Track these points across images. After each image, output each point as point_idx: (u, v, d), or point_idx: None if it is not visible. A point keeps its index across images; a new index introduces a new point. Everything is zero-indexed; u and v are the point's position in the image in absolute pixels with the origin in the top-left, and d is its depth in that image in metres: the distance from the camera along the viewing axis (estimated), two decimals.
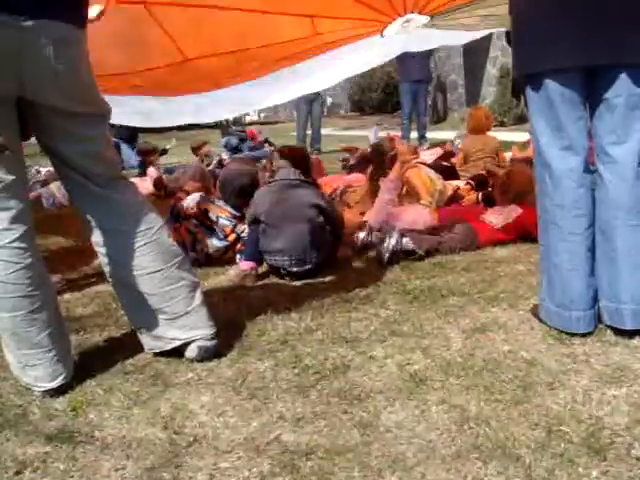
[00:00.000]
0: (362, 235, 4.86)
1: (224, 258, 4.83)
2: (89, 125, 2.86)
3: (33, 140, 2.91)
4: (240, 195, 4.90)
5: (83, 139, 2.86)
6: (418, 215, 5.18)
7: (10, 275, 2.71)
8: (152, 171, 9.08)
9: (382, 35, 5.82)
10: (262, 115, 29.03)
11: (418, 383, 2.69)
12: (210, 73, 5.28)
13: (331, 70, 6.76)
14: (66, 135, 2.84)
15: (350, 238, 4.93)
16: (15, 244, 2.71)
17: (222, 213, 4.84)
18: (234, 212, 4.88)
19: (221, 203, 4.92)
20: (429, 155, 8.48)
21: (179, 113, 6.34)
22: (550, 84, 2.95)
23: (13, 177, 2.70)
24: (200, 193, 5.08)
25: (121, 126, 12.60)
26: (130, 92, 5.19)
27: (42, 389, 2.80)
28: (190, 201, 4.92)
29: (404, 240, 4.53)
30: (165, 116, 6.61)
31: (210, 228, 4.80)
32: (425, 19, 5.59)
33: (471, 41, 7.41)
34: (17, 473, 2.26)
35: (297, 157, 4.83)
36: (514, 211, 4.88)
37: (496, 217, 4.92)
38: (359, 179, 6.87)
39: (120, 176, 3.06)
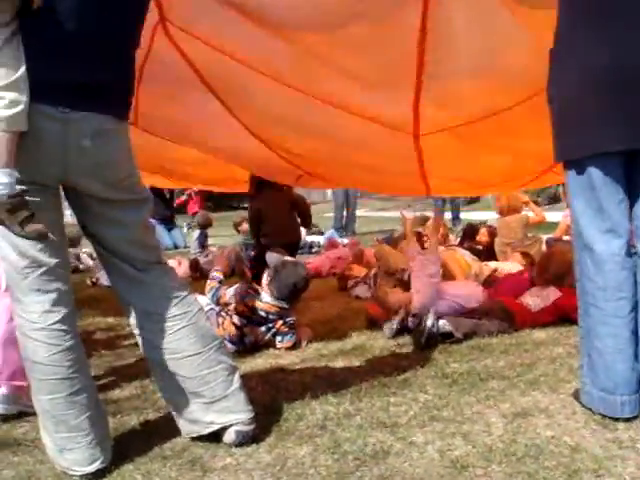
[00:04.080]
0: (397, 320, 4.84)
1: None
2: (129, 211, 2.92)
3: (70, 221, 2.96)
4: (294, 295, 4.89)
5: (122, 224, 2.92)
6: (472, 291, 5.15)
7: (51, 357, 2.73)
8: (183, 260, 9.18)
9: None
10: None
11: (460, 470, 2.64)
12: None
13: None
14: (106, 220, 2.90)
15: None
16: (56, 326, 2.75)
17: (271, 309, 4.77)
18: (283, 305, 4.81)
19: (269, 299, 4.81)
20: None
21: None
22: (591, 169, 2.94)
23: (56, 260, 2.76)
24: (242, 286, 5.00)
25: (157, 205, 12.89)
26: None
27: (79, 473, 2.79)
28: (235, 295, 4.89)
29: (441, 323, 4.50)
30: None
31: (258, 322, 4.75)
32: None
33: None
34: None
35: None
36: (553, 293, 4.85)
37: (534, 300, 4.89)
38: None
39: (159, 260, 3.09)
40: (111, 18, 2.70)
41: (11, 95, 2.48)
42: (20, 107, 2.49)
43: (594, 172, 2.95)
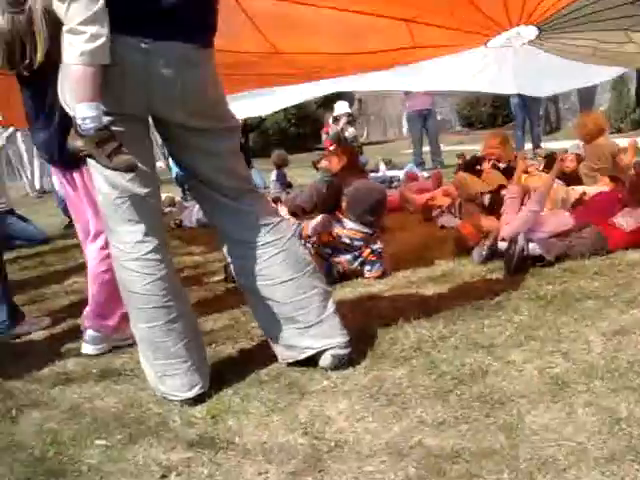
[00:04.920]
0: (487, 244, 4.75)
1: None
2: (219, 139, 2.92)
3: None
4: (373, 212, 4.81)
5: (213, 153, 2.92)
6: (560, 220, 5.03)
7: (146, 286, 2.79)
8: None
9: (486, 45, 5.72)
10: (368, 135, 28.98)
11: (561, 386, 2.61)
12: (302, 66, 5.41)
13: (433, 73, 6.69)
14: (197, 150, 2.91)
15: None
16: (150, 256, 2.80)
17: (355, 235, 4.73)
18: (366, 230, 4.76)
19: (352, 224, 4.77)
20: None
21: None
22: None
23: (147, 190, 2.79)
24: (324, 216, 4.97)
25: None
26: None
27: (179, 398, 2.85)
28: (316, 226, 4.86)
29: (531, 246, 4.41)
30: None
31: (344, 250, 4.73)
32: (533, 31, 5.43)
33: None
34: (163, 477, 2.31)
35: None
36: None
37: (626, 220, 4.73)
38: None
39: (251, 189, 3.10)
40: None
41: (92, 29, 2.47)
42: (101, 40, 2.49)
43: None
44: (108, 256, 3.59)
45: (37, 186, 15.54)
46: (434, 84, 8.13)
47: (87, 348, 3.62)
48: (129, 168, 2.62)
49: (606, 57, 6.39)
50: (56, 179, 3.83)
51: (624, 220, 4.73)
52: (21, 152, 15.50)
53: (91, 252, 3.66)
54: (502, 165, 7.27)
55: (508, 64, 6.22)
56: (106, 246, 3.57)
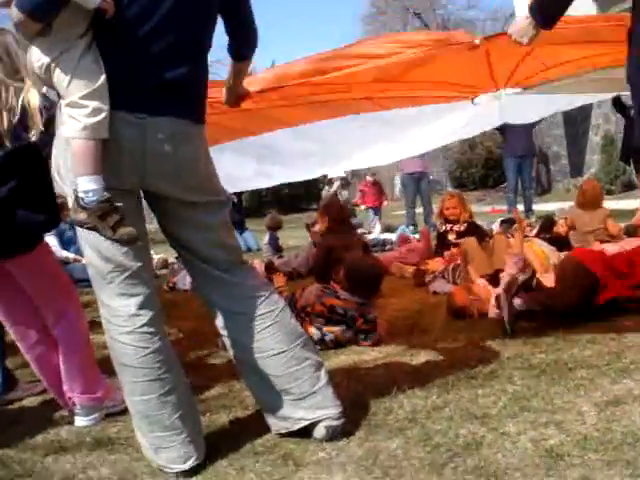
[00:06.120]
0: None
1: None
2: (209, 213, 2.98)
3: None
4: (369, 289, 4.86)
5: (204, 226, 2.97)
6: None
7: (140, 359, 2.80)
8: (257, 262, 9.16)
9: (473, 102, 5.84)
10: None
11: (555, 459, 2.60)
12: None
13: (418, 135, 6.79)
14: (188, 223, 2.96)
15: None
16: (144, 329, 2.81)
17: (348, 306, 4.74)
18: (360, 301, 4.78)
19: (346, 295, 4.79)
20: None
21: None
22: None
23: (140, 264, 2.83)
24: (318, 286, 5.03)
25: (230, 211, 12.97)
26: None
27: (175, 470, 2.83)
28: (310, 296, 4.88)
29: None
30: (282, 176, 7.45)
31: (338, 321, 4.73)
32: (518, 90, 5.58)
33: (571, 110, 7.23)
34: None
35: None
36: (629, 243, 4.73)
37: (611, 245, 4.76)
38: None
39: (241, 260, 3.14)
40: (183, 20, 2.75)
41: (94, 103, 2.54)
42: (102, 115, 2.56)
43: None
44: (75, 331, 3.59)
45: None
46: (424, 145, 8.26)
47: (80, 421, 3.59)
48: (132, 240, 2.66)
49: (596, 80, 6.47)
50: None
51: (610, 245, 4.77)
52: None
53: (56, 334, 3.59)
54: (462, 227, 7.40)
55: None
56: (68, 323, 3.58)
